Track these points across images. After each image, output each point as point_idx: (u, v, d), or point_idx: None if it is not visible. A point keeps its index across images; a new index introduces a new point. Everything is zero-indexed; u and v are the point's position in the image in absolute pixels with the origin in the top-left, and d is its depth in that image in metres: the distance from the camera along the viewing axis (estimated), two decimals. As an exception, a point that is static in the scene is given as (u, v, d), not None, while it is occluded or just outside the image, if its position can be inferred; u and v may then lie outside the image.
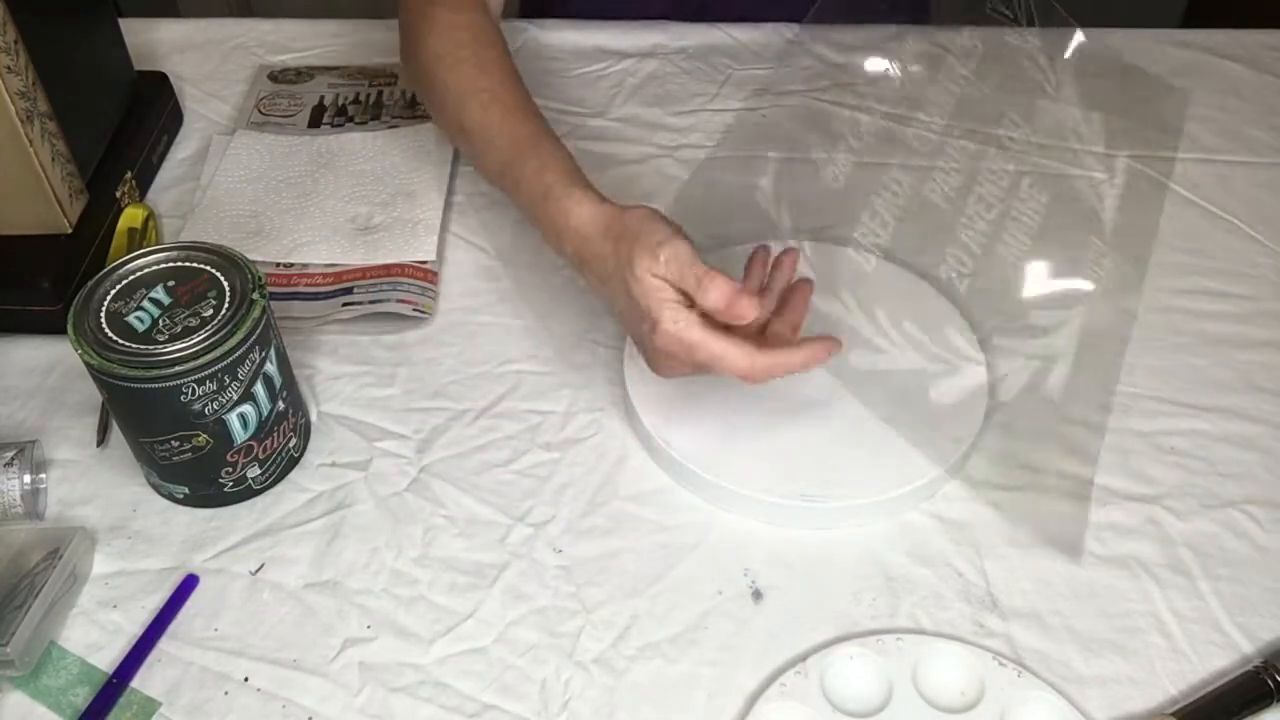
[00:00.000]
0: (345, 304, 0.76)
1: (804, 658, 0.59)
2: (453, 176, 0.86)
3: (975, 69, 0.95)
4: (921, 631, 0.61)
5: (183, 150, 0.90)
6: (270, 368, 0.63)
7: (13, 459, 0.65)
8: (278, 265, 0.78)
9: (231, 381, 0.61)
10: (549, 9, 1.02)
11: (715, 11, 0.99)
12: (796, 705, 0.57)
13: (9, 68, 0.69)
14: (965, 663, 0.59)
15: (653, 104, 0.93)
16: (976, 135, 0.89)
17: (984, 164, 0.86)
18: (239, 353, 0.60)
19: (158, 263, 0.63)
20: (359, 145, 0.88)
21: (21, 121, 0.70)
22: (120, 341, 0.59)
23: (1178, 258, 0.80)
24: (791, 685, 0.58)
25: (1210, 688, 0.58)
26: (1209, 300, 0.78)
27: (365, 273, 0.78)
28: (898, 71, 0.95)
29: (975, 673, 0.59)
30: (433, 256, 0.79)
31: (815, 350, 0.62)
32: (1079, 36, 0.74)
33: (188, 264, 0.63)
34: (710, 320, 0.60)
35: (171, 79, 0.92)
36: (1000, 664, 0.59)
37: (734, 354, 0.59)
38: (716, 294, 0.58)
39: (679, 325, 0.59)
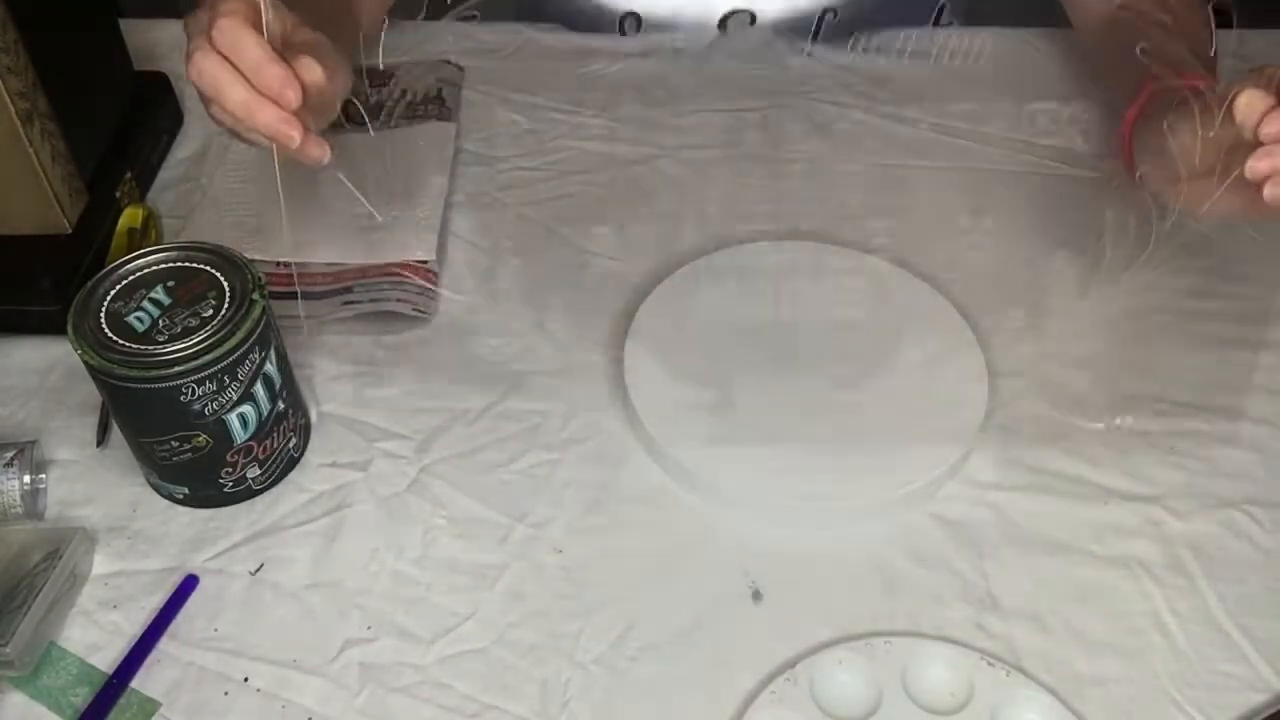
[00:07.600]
0: (345, 303, 0.76)
1: (794, 663, 0.59)
2: (453, 176, 0.86)
3: (974, 68, 0.95)
4: (913, 634, 0.60)
5: (183, 150, 0.90)
6: (270, 368, 0.63)
7: (13, 459, 0.65)
8: (277, 264, 0.78)
9: (231, 382, 0.61)
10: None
11: None
12: (787, 712, 0.57)
13: (9, 68, 0.68)
14: (953, 664, 0.59)
15: (653, 104, 0.93)
16: (974, 134, 0.89)
17: (980, 164, 0.86)
18: (239, 353, 0.60)
19: (158, 263, 0.63)
20: (358, 146, 0.87)
21: (21, 121, 0.70)
22: (120, 342, 0.59)
23: (1178, 258, 0.80)
24: (781, 692, 0.58)
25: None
26: (1209, 300, 0.77)
27: (365, 272, 0.77)
28: (899, 72, 0.95)
29: (963, 673, 0.58)
30: (432, 256, 0.79)
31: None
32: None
33: (188, 264, 0.63)
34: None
35: (171, 79, 0.91)
36: (989, 664, 0.59)
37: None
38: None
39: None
